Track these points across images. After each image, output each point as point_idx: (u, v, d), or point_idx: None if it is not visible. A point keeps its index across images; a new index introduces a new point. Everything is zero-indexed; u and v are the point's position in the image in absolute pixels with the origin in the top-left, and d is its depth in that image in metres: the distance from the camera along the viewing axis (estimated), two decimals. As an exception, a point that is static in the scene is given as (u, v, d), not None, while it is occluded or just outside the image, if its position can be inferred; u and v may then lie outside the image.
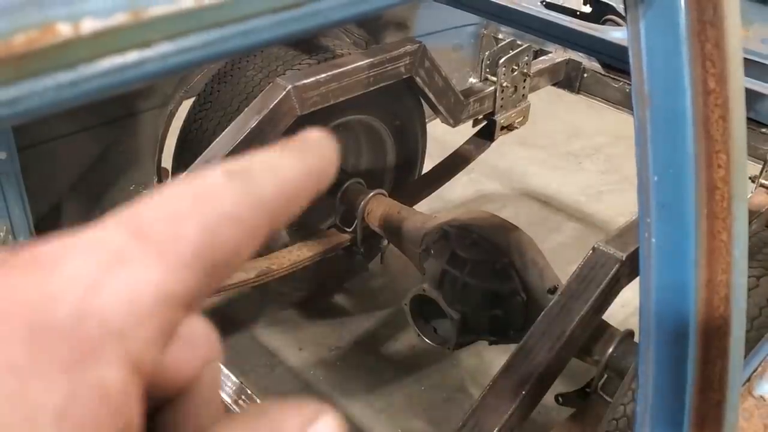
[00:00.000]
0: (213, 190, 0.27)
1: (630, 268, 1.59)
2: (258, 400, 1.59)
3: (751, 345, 1.11)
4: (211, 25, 0.33)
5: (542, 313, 1.58)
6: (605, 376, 1.78)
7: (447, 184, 2.81)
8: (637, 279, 1.66)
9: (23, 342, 0.22)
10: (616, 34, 1.91)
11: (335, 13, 0.39)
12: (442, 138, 2.97)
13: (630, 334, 1.80)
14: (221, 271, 0.26)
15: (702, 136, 0.62)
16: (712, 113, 0.61)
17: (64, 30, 0.27)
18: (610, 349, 1.76)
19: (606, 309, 1.63)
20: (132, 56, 0.31)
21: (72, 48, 0.27)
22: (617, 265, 1.56)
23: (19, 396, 0.21)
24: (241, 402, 1.59)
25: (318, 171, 0.30)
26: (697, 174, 0.63)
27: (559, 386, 1.66)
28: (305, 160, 0.30)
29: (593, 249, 1.61)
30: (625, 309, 2.52)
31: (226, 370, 1.66)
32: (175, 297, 0.25)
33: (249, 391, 1.61)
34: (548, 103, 3.79)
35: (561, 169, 3.68)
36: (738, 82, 0.63)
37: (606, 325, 1.81)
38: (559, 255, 2.49)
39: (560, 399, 1.93)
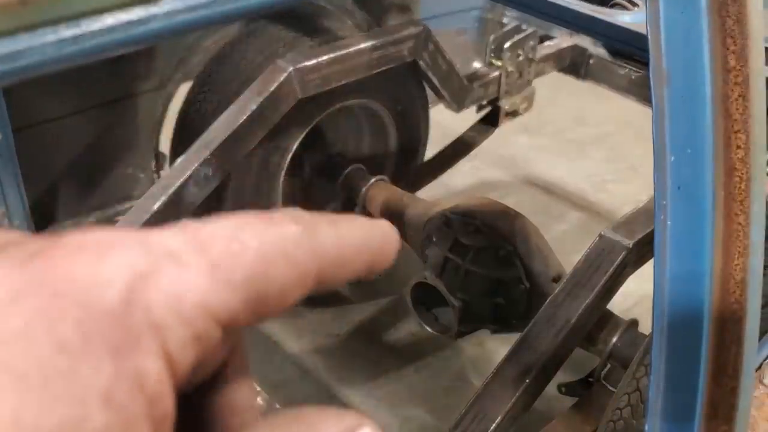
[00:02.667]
0: (278, 227, 0.27)
1: (637, 256, 1.57)
2: (257, 388, 1.58)
3: (760, 334, 1.09)
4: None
5: (547, 300, 1.56)
6: (608, 365, 1.76)
7: (449, 171, 2.79)
8: (641, 269, 1.65)
9: (75, 322, 0.22)
10: (625, 18, 1.89)
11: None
12: (444, 124, 2.94)
13: (634, 323, 1.79)
14: (263, 306, 0.27)
15: (721, 115, 0.59)
16: (731, 92, 0.58)
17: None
18: (614, 339, 1.74)
19: (612, 297, 1.61)
20: (138, 12, 0.28)
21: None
22: (624, 253, 1.54)
23: (70, 374, 0.21)
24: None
25: (376, 250, 0.31)
26: (715, 154, 0.60)
27: (560, 376, 1.65)
28: (368, 235, 0.31)
29: (600, 236, 1.59)
30: (628, 299, 2.49)
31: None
32: (216, 312, 0.25)
33: (248, 378, 1.59)
34: (553, 90, 3.76)
35: (565, 156, 3.65)
36: (759, 60, 0.60)
37: (610, 314, 1.79)
38: (563, 244, 2.47)
39: (563, 389, 1.92)
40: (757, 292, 0.68)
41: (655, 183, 0.66)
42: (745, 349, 0.68)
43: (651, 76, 0.60)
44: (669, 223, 0.65)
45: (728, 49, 0.57)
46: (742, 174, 0.60)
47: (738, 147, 0.59)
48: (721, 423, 0.71)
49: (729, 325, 0.66)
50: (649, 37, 0.61)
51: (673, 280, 0.67)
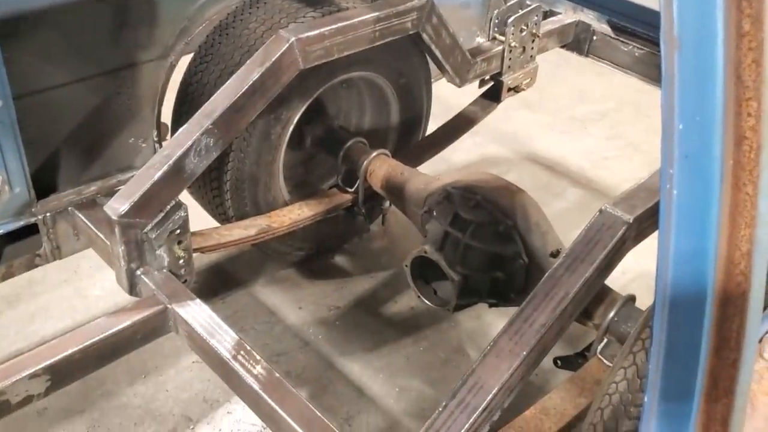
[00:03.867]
0: None
1: (637, 231, 1.57)
2: (257, 356, 1.58)
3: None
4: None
5: (546, 274, 1.57)
6: (605, 340, 1.77)
7: (451, 146, 2.78)
8: (640, 245, 1.65)
9: None
10: (631, -8, 1.86)
11: None
12: (446, 99, 2.92)
13: (632, 299, 1.79)
14: None
15: (732, 81, 0.58)
16: (744, 57, 0.57)
17: None
18: (611, 314, 1.75)
19: (611, 272, 1.62)
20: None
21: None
22: (624, 228, 1.54)
23: None
24: (240, 358, 1.58)
25: None
26: (725, 122, 0.60)
27: (556, 349, 1.66)
28: None
29: (600, 211, 1.59)
30: (626, 275, 2.51)
31: (225, 326, 1.65)
32: None
33: (248, 347, 1.60)
34: (555, 67, 3.74)
35: (566, 133, 3.64)
36: (773, 26, 0.59)
37: (608, 290, 1.80)
38: (562, 220, 2.47)
39: (558, 362, 1.93)
40: (764, 265, 0.68)
41: (662, 151, 0.65)
42: (748, 322, 0.68)
43: (662, 41, 0.59)
44: (675, 192, 0.65)
45: (743, 12, 0.56)
46: (752, 143, 0.60)
47: (749, 115, 0.59)
48: (721, 395, 0.72)
49: (733, 297, 0.66)
50: (660, 0, 0.60)
51: (678, 250, 0.67)
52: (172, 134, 2.17)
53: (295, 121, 2.22)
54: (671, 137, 0.63)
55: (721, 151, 0.61)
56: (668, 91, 0.62)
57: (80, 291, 2.56)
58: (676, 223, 0.65)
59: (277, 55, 1.86)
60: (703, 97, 0.60)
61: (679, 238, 0.66)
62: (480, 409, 1.39)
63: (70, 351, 1.60)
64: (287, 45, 1.87)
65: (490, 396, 1.41)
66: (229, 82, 1.87)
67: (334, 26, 1.95)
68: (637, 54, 2.78)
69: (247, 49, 2.10)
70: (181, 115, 2.21)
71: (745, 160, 0.60)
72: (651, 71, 2.75)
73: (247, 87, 1.83)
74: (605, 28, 2.83)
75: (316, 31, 1.92)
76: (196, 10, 2.05)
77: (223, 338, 1.63)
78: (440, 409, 1.41)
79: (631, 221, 1.55)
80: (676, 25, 0.59)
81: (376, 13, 2.03)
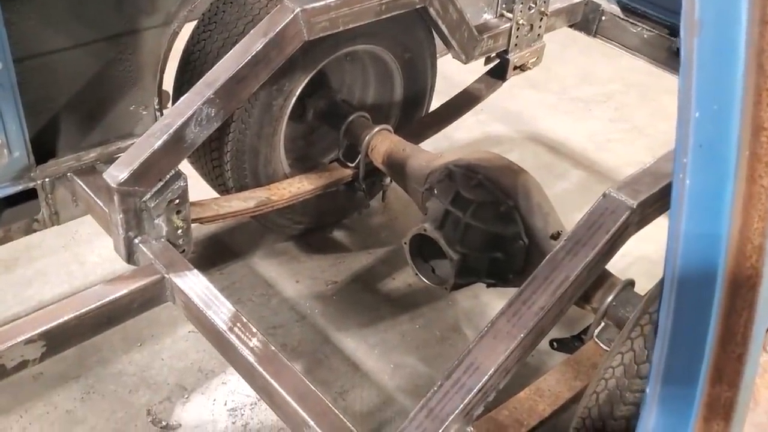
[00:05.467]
0: None
1: (640, 216, 1.55)
2: (253, 329, 1.58)
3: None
4: None
5: (547, 257, 1.56)
6: (602, 324, 1.77)
7: (454, 123, 2.75)
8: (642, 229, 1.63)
9: None
10: (644, -28, 1.83)
11: None
12: (451, 75, 2.89)
13: (631, 283, 1.79)
14: None
15: (753, 70, 0.56)
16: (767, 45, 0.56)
17: None
18: (610, 298, 1.74)
19: (612, 257, 1.60)
20: None
21: None
22: (627, 212, 1.53)
23: None
24: (236, 329, 1.58)
25: None
26: (743, 112, 0.58)
27: (553, 331, 1.65)
28: None
29: (604, 195, 1.57)
30: (625, 258, 2.50)
31: (222, 297, 1.64)
32: None
33: (245, 320, 1.60)
34: (562, 47, 3.70)
35: (571, 114, 3.61)
36: (797, 13, 0.57)
37: (607, 274, 1.79)
38: (564, 201, 2.46)
39: (555, 344, 1.93)
40: (775, 258, 0.67)
41: (676, 139, 0.64)
42: (756, 317, 0.67)
43: (682, 24, 0.57)
44: (688, 182, 0.63)
45: (769, -1, 0.54)
46: (771, 134, 0.58)
47: (769, 105, 0.57)
48: (725, 388, 0.71)
49: (742, 290, 0.64)
50: (683, -16, 0.58)
51: (688, 240, 0.66)
52: (173, 102, 2.15)
53: (298, 93, 2.19)
54: (687, 125, 0.61)
55: (738, 142, 0.59)
56: (686, 77, 0.60)
57: (78, 257, 2.55)
58: (687, 213, 0.63)
59: (282, 26, 1.83)
60: (721, 85, 0.58)
61: (689, 229, 0.64)
62: (475, 390, 1.39)
63: (66, 317, 1.60)
64: (292, 15, 1.84)
65: (486, 377, 1.41)
66: (232, 51, 1.84)
67: (340, -3, 1.92)
68: (645, 36, 2.75)
69: (252, 18, 2.07)
70: (183, 83, 2.19)
71: (762, 152, 0.58)
72: (659, 54, 2.71)
73: (250, 57, 1.81)
74: (614, 9, 2.80)
75: (322, 2, 1.89)
76: (201, -24, 2.02)
77: (219, 309, 1.62)
78: (435, 388, 1.41)
79: (634, 206, 1.54)
80: (698, 8, 0.57)
81: (384, -14, 1.99)
